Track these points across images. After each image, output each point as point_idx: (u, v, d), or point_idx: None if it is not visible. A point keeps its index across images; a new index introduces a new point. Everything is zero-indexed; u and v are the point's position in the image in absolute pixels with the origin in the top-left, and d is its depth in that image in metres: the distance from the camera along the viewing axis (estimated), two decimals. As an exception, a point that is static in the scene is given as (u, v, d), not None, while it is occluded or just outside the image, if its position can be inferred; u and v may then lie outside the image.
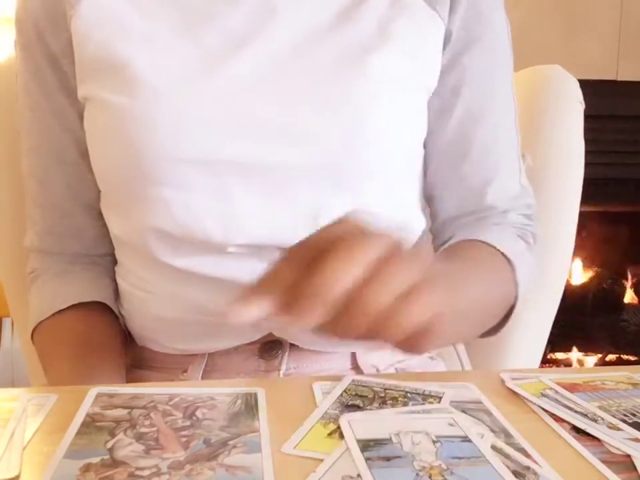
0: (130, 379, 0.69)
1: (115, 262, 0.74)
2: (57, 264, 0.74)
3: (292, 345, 0.67)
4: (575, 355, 2.27)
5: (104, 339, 0.69)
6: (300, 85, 0.62)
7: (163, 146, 0.60)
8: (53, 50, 0.68)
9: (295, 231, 0.54)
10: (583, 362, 2.27)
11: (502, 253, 0.65)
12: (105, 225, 0.72)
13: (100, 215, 0.72)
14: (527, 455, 0.41)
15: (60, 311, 0.69)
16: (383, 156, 0.64)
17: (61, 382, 0.64)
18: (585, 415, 0.47)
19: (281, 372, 0.67)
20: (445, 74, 0.68)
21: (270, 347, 0.67)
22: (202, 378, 0.67)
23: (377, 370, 0.70)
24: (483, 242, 0.66)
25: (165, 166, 0.61)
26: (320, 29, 0.64)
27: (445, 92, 0.69)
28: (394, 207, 0.67)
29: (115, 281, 0.74)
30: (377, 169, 0.64)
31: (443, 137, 0.70)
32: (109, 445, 0.41)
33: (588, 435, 0.44)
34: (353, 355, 0.69)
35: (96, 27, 0.65)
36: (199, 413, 0.45)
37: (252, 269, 0.62)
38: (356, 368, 0.69)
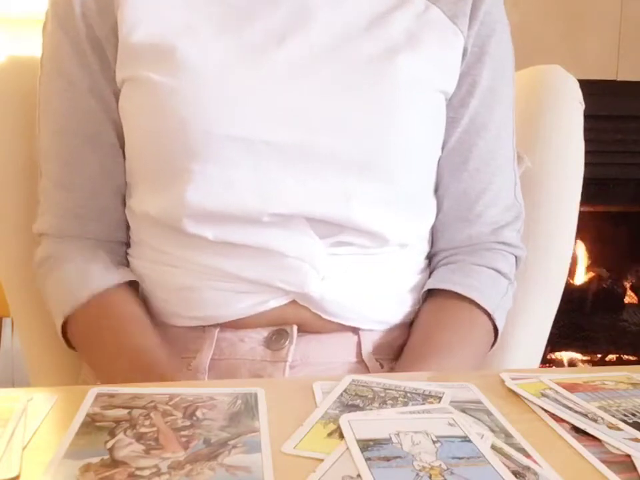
0: None
1: (125, 248, 0.76)
2: (78, 249, 0.74)
3: (298, 336, 0.69)
4: (575, 355, 2.27)
5: (142, 318, 0.70)
6: (334, 77, 0.67)
7: (209, 123, 0.65)
8: (97, 33, 0.71)
9: (324, 207, 0.67)
10: (582, 362, 2.27)
11: (484, 310, 0.72)
12: (124, 211, 0.74)
13: (122, 199, 0.74)
14: (527, 455, 0.41)
15: (92, 298, 0.69)
16: (408, 146, 0.69)
17: (110, 362, 0.67)
18: (585, 415, 0.47)
19: (288, 362, 0.68)
20: (459, 85, 0.74)
21: (277, 338, 0.69)
22: (209, 367, 0.68)
23: (381, 365, 0.72)
24: (464, 297, 0.72)
25: (209, 143, 0.65)
26: (353, 32, 0.70)
27: (455, 102, 0.75)
28: (414, 195, 0.72)
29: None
30: (403, 157, 0.69)
31: (448, 144, 0.76)
32: (109, 445, 0.41)
33: (588, 435, 0.44)
34: (358, 346, 0.71)
35: (143, 15, 0.69)
36: (198, 413, 0.45)
37: (281, 237, 0.67)
38: (360, 361, 0.71)
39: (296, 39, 0.68)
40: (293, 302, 0.69)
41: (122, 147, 0.73)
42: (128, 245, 0.76)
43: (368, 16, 0.71)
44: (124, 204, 0.75)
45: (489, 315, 0.72)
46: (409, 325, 0.74)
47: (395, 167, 0.68)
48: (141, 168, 0.71)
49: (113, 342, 0.68)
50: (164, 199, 0.68)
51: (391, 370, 0.71)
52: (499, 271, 0.76)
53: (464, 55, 0.74)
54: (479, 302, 0.72)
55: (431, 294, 0.75)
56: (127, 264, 0.75)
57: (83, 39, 0.71)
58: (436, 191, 0.77)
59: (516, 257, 0.78)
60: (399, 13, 0.71)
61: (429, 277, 0.77)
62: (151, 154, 0.68)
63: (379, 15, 0.71)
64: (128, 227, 0.76)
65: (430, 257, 0.79)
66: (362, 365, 0.71)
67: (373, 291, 0.71)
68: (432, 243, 0.78)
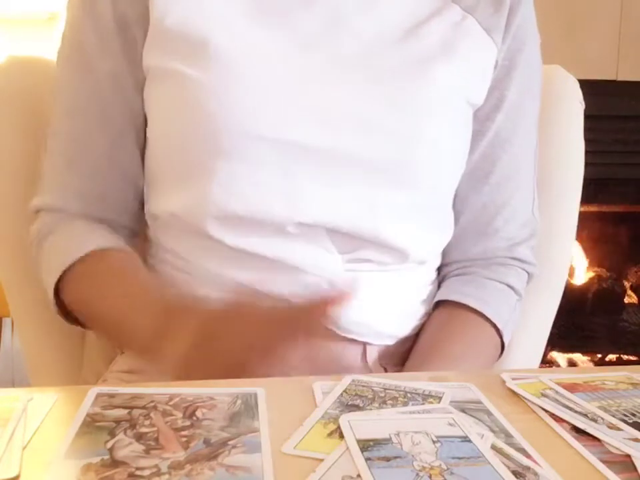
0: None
1: (131, 237, 0.74)
2: (78, 220, 0.72)
3: None
4: (575, 355, 2.27)
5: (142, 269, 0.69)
6: (367, 84, 0.67)
7: (239, 121, 0.64)
8: (125, 14, 0.69)
9: (350, 217, 0.66)
10: (582, 362, 2.27)
11: (493, 325, 0.72)
12: (132, 200, 0.73)
13: (131, 188, 0.73)
14: (527, 455, 0.41)
15: (87, 255, 0.67)
16: (437, 156, 0.68)
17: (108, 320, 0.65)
18: (585, 415, 0.47)
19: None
20: (487, 98, 0.73)
21: None
22: None
23: (385, 370, 0.72)
24: (475, 310, 0.72)
25: (239, 141, 0.64)
26: (388, 39, 0.69)
27: (482, 115, 0.74)
28: (437, 208, 0.72)
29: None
30: (430, 167, 0.68)
31: (472, 156, 0.75)
32: (109, 445, 0.41)
33: (588, 435, 0.44)
34: (363, 352, 0.71)
35: (176, 1, 0.67)
36: (198, 413, 0.45)
37: (300, 250, 0.66)
38: (365, 367, 0.71)
39: (327, 43, 0.67)
40: None
41: (138, 135, 0.71)
42: (133, 232, 0.75)
43: (402, 25, 0.70)
44: (133, 193, 0.73)
45: (497, 330, 0.72)
46: (415, 335, 0.74)
47: (422, 176, 0.68)
48: (166, 164, 0.69)
49: (116, 283, 0.66)
50: (189, 197, 0.67)
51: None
52: (511, 287, 0.75)
53: (495, 68, 0.73)
54: (489, 317, 0.72)
55: (441, 304, 0.74)
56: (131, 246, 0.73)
57: (108, 19, 0.69)
58: (453, 203, 0.76)
59: (528, 273, 0.78)
60: (434, 23, 0.70)
61: (439, 286, 0.76)
62: (177, 148, 0.67)
63: (414, 25, 0.70)
64: (136, 217, 0.74)
65: (441, 266, 0.78)
66: (366, 370, 0.71)
67: (388, 309, 0.71)
68: (445, 253, 0.78)
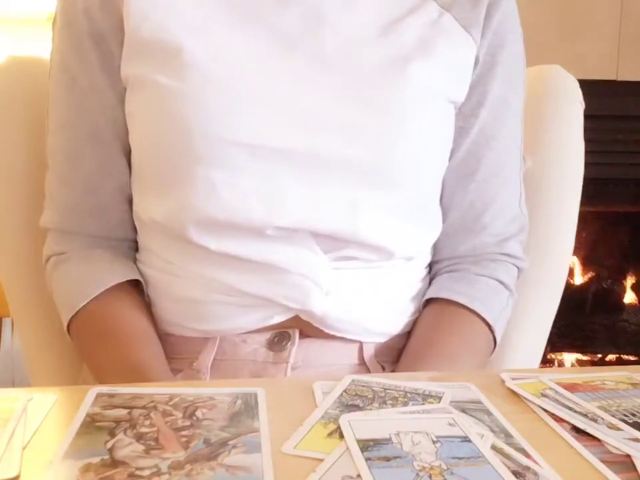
0: None
1: (132, 248, 0.75)
2: (78, 249, 0.74)
3: (300, 338, 0.69)
4: (575, 355, 2.27)
5: (144, 325, 0.70)
6: (345, 84, 0.66)
7: (215, 128, 0.64)
8: (100, 28, 0.70)
9: (330, 220, 0.65)
10: (582, 362, 2.27)
11: (484, 319, 0.72)
12: (127, 210, 0.74)
13: (125, 199, 0.73)
14: (527, 455, 0.41)
15: (94, 299, 0.69)
16: (417, 154, 0.68)
17: (108, 370, 0.67)
18: (585, 415, 0.47)
19: (289, 364, 0.68)
20: (469, 94, 0.73)
21: (279, 339, 0.69)
22: (211, 368, 0.68)
23: (382, 367, 0.72)
24: (467, 307, 0.72)
25: (216, 147, 0.64)
26: (365, 39, 0.69)
27: (465, 112, 0.74)
28: (421, 206, 0.72)
29: (133, 263, 0.74)
30: (411, 165, 0.68)
31: (457, 154, 0.75)
32: (109, 445, 0.41)
33: (588, 435, 0.44)
34: (360, 350, 0.71)
35: (151, 10, 0.67)
36: (198, 413, 0.45)
37: (284, 252, 0.66)
38: (362, 364, 0.71)
39: (306, 45, 0.67)
40: (296, 316, 0.68)
41: (124, 145, 0.72)
42: (133, 242, 0.76)
43: (380, 22, 0.69)
44: (127, 203, 0.74)
45: (489, 327, 0.72)
46: (408, 333, 0.74)
47: (403, 176, 0.68)
48: (147, 172, 0.70)
49: (110, 353, 0.67)
50: (169, 204, 0.67)
51: (393, 372, 0.71)
52: (501, 282, 0.75)
53: (475, 64, 0.73)
54: (480, 313, 0.72)
55: (432, 301, 0.74)
56: (133, 261, 0.75)
57: (84, 34, 0.70)
58: (441, 200, 0.76)
59: (518, 268, 0.78)
60: (412, 20, 0.70)
61: (430, 283, 0.76)
62: (156, 157, 0.68)
63: (392, 22, 0.70)
64: (133, 226, 0.75)
65: (431, 264, 0.78)
66: (364, 368, 0.71)
67: (377, 306, 0.71)
68: (434, 250, 0.78)
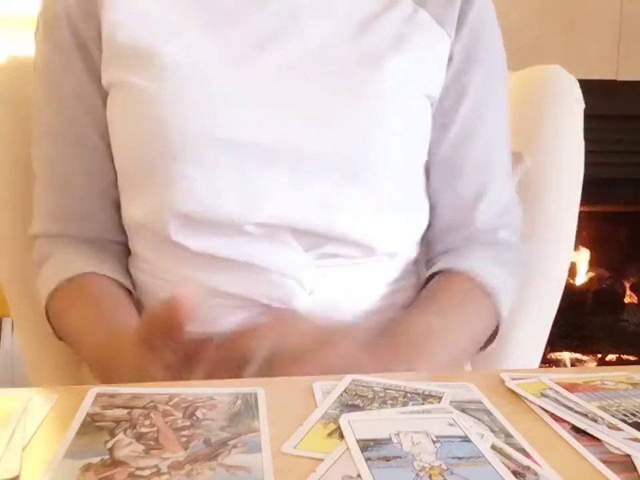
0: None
1: (123, 251, 0.76)
2: (68, 245, 0.74)
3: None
4: (575, 355, 2.27)
5: (123, 300, 0.71)
6: (319, 80, 0.67)
7: (190, 125, 0.65)
8: (82, 34, 0.71)
9: (308, 216, 0.65)
10: (582, 362, 2.27)
11: (482, 285, 0.72)
12: (115, 213, 0.74)
13: (112, 201, 0.74)
14: (527, 455, 0.41)
15: (73, 278, 0.70)
16: (394, 149, 0.69)
17: (86, 334, 0.67)
18: (585, 415, 0.47)
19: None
20: (447, 90, 0.74)
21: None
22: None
23: None
24: (464, 273, 0.72)
25: (191, 145, 0.65)
26: (340, 36, 0.69)
27: (445, 107, 0.74)
28: (401, 201, 0.72)
29: (125, 266, 0.75)
30: (388, 162, 0.68)
31: (441, 150, 0.75)
32: (109, 445, 0.41)
33: (588, 435, 0.44)
34: None
35: (126, 17, 0.69)
36: (198, 413, 0.45)
37: (265, 251, 0.66)
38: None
39: (282, 43, 0.68)
40: None
41: (107, 149, 0.72)
42: (124, 246, 0.76)
43: (356, 19, 0.70)
44: (114, 206, 0.74)
45: (489, 295, 0.72)
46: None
47: (379, 169, 0.68)
48: (129, 173, 0.71)
49: (86, 319, 0.68)
50: (150, 203, 0.68)
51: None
52: (496, 257, 0.75)
53: (450, 59, 0.73)
54: (480, 280, 0.72)
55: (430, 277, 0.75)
56: (122, 262, 0.75)
57: (67, 41, 0.71)
58: (430, 197, 0.76)
59: (512, 251, 0.77)
60: (387, 16, 0.71)
61: (424, 284, 0.76)
62: (136, 158, 0.68)
63: (367, 18, 0.70)
64: (122, 230, 0.75)
65: (427, 261, 0.78)
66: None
67: (361, 303, 0.71)
68: (428, 248, 0.78)
